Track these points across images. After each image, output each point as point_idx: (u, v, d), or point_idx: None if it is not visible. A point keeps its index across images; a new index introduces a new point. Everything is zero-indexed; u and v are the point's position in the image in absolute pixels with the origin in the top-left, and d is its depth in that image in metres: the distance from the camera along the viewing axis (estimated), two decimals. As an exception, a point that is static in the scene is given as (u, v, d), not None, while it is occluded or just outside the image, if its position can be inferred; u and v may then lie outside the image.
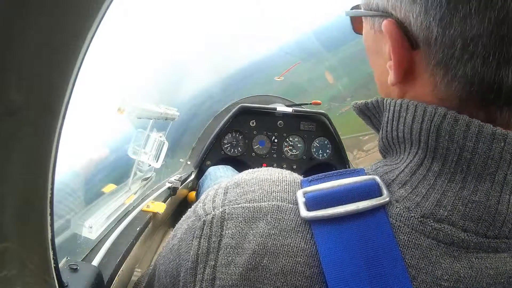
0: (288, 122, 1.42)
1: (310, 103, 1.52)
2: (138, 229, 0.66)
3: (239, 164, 1.39)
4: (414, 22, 0.30)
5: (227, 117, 1.38)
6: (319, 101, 1.52)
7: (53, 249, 0.27)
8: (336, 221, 0.30)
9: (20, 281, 0.23)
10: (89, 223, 0.57)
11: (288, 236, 0.29)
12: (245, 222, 0.31)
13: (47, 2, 0.18)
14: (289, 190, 0.33)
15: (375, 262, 0.28)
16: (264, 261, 0.29)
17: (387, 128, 0.34)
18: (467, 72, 0.28)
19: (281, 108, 1.41)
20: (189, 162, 1.39)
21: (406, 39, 0.31)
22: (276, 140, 1.42)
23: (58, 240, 0.32)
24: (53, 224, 0.25)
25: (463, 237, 0.28)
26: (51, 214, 0.25)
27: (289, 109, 1.41)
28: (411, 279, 0.27)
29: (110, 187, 0.77)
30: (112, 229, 0.64)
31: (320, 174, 0.34)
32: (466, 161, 0.28)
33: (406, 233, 0.28)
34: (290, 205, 0.31)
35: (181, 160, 1.38)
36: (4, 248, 0.21)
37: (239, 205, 0.32)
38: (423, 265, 0.28)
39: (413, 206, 0.29)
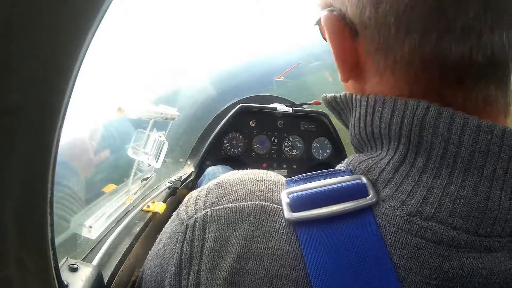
0: (288, 122, 1.42)
1: (311, 103, 1.52)
2: (138, 229, 0.66)
3: (239, 164, 1.39)
4: (350, 7, 0.29)
5: (227, 117, 1.38)
6: (319, 101, 1.51)
7: (53, 249, 0.27)
8: (321, 222, 0.29)
9: (20, 281, 0.23)
10: (89, 223, 0.58)
11: (272, 239, 0.28)
12: (227, 224, 0.29)
13: (47, 1, 0.18)
14: (274, 189, 0.31)
15: (361, 264, 0.27)
16: (248, 265, 0.28)
17: (359, 124, 0.33)
18: (405, 51, 0.27)
19: (281, 108, 1.41)
20: (189, 162, 1.38)
21: (348, 29, 0.29)
22: (276, 140, 1.42)
23: (58, 240, 0.32)
24: (53, 224, 0.25)
25: (452, 235, 0.26)
26: (51, 214, 0.25)
27: (289, 109, 1.41)
28: (400, 280, 0.26)
29: (110, 187, 0.77)
30: (112, 229, 0.64)
31: (305, 174, 0.33)
32: (452, 154, 0.27)
33: (392, 232, 0.27)
34: (274, 205, 0.30)
35: (181, 160, 1.38)
36: (4, 248, 0.21)
37: (221, 206, 0.30)
38: (412, 265, 0.26)
39: (398, 205, 0.28)
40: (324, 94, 0.38)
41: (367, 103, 0.32)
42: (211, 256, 0.29)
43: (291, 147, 1.44)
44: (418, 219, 0.27)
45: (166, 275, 0.31)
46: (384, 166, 0.30)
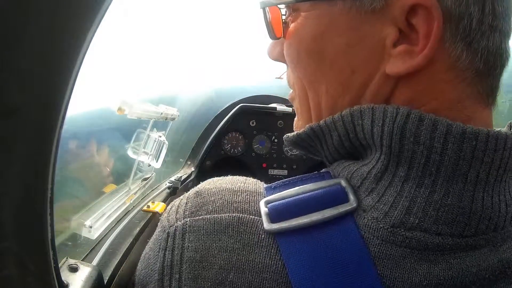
0: (288, 122, 1.41)
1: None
2: (138, 229, 0.66)
3: (239, 164, 1.39)
4: None
5: (227, 117, 1.38)
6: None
7: (53, 249, 0.27)
8: (302, 232, 0.28)
9: (20, 281, 0.23)
10: (89, 223, 0.58)
11: (252, 252, 0.27)
12: (207, 235, 0.29)
13: (47, 1, 0.18)
14: (251, 200, 0.30)
15: (345, 274, 0.26)
16: (230, 277, 0.27)
17: (343, 145, 0.32)
18: (490, 44, 0.28)
19: (281, 108, 1.41)
20: (189, 162, 1.38)
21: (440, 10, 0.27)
22: (276, 140, 1.42)
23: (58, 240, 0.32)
24: (53, 224, 0.25)
25: (437, 241, 0.26)
26: (51, 214, 0.25)
27: (289, 109, 1.41)
28: None
29: (110, 187, 0.77)
30: (112, 229, 0.64)
31: (284, 180, 0.32)
32: (435, 163, 0.26)
33: (376, 245, 0.26)
34: (251, 216, 0.29)
35: (181, 160, 1.38)
36: (4, 248, 0.21)
37: (200, 217, 0.30)
38: (397, 274, 0.26)
39: (381, 217, 0.27)
40: (285, 135, 0.37)
41: (343, 121, 0.30)
42: (192, 265, 0.28)
43: (291, 147, 1.44)
44: (402, 230, 0.26)
45: (151, 279, 0.30)
46: (365, 175, 0.29)
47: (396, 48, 0.28)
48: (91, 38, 0.22)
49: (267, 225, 0.28)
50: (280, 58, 0.39)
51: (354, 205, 0.28)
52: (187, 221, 0.30)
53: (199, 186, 0.33)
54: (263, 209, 0.29)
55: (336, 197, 0.29)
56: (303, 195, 0.29)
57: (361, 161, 0.31)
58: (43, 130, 0.21)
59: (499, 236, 0.28)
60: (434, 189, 0.27)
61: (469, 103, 0.29)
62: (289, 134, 0.36)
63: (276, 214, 0.28)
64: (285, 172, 1.42)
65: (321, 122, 0.32)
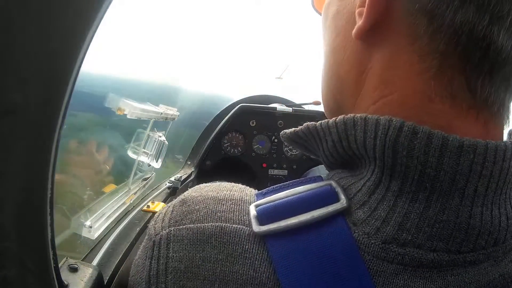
0: (288, 122, 1.42)
1: (311, 103, 1.52)
2: (138, 229, 0.66)
3: (239, 164, 1.39)
4: None
5: (227, 117, 1.39)
6: (319, 101, 1.51)
7: (53, 249, 0.27)
8: (291, 233, 0.27)
9: (20, 281, 0.23)
10: (89, 223, 0.58)
11: (236, 263, 0.27)
12: (190, 245, 0.28)
13: (47, 1, 0.18)
14: (235, 209, 0.30)
15: (337, 278, 0.25)
16: None
17: (337, 150, 0.31)
18: (456, 21, 0.24)
19: (281, 108, 1.41)
20: (189, 162, 1.39)
21: None
22: (276, 140, 1.42)
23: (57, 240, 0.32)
24: (53, 224, 0.25)
25: (431, 257, 0.25)
26: (51, 214, 0.25)
27: (289, 109, 1.41)
28: None
29: (110, 187, 0.77)
30: (112, 229, 0.64)
31: (275, 186, 0.32)
32: (430, 178, 0.25)
33: (367, 260, 0.25)
34: (234, 225, 0.28)
35: (181, 160, 1.38)
36: (4, 248, 0.21)
37: (184, 226, 0.29)
38: None
39: (373, 232, 0.26)
40: (283, 132, 0.36)
41: (337, 129, 0.30)
42: (177, 276, 0.27)
43: (291, 147, 1.44)
44: (394, 246, 0.25)
45: (139, 287, 0.30)
46: (360, 187, 0.28)
47: (356, 11, 0.30)
48: (91, 38, 0.22)
49: (256, 227, 0.27)
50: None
51: (345, 204, 0.27)
52: (171, 230, 0.30)
53: (185, 193, 0.33)
54: (253, 212, 0.29)
55: (325, 197, 0.28)
56: (292, 197, 0.29)
57: (358, 173, 0.30)
58: (43, 130, 0.21)
59: (500, 250, 0.27)
60: (429, 205, 0.25)
61: (443, 107, 0.27)
62: (286, 130, 0.36)
63: (265, 216, 0.28)
64: (285, 172, 1.42)
65: (317, 124, 0.32)
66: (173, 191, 0.99)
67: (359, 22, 0.29)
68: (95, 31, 0.22)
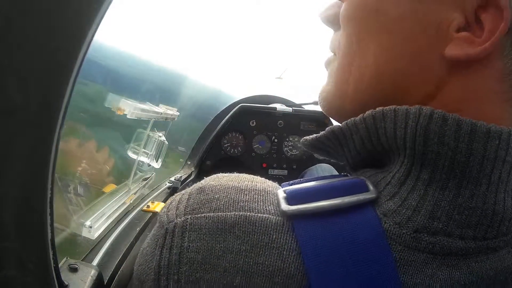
0: (288, 122, 1.42)
1: (311, 103, 1.52)
2: (138, 229, 0.66)
3: (239, 164, 1.39)
4: None
5: (227, 117, 1.38)
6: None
7: (53, 249, 0.27)
8: (320, 216, 0.27)
9: (20, 281, 0.23)
10: (89, 223, 0.58)
11: (261, 254, 0.25)
12: (210, 234, 0.27)
13: (47, 1, 0.18)
14: (259, 199, 0.28)
15: (364, 269, 0.25)
16: (236, 281, 0.25)
17: (365, 146, 0.31)
18: None
19: (281, 108, 1.41)
20: (189, 162, 1.39)
21: None
22: (276, 140, 1.42)
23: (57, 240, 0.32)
24: (53, 224, 0.25)
25: (461, 245, 0.26)
26: (51, 214, 0.25)
27: (289, 109, 1.41)
28: None
29: (110, 187, 0.77)
30: (112, 229, 0.64)
31: (302, 179, 0.31)
32: (460, 164, 0.26)
33: (398, 251, 0.26)
34: (260, 214, 0.27)
35: (180, 160, 1.38)
36: (4, 248, 0.21)
37: (202, 215, 0.28)
38: (418, 280, 0.25)
39: (404, 222, 0.26)
40: (303, 139, 0.36)
41: (365, 124, 0.30)
42: (193, 267, 0.26)
43: (291, 147, 1.44)
44: (425, 235, 0.26)
45: (147, 277, 0.28)
46: (389, 180, 0.28)
47: (459, 33, 0.28)
48: (91, 38, 0.22)
49: (284, 206, 0.27)
50: (333, 19, 0.37)
51: (374, 194, 0.27)
52: (187, 218, 0.28)
53: (202, 182, 0.31)
54: (281, 195, 0.28)
55: (357, 186, 0.28)
56: (322, 184, 0.28)
57: (386, 169, 0.30)
58: (43, 130, 0.21)
59: None
60: (459, 192, 0.26)
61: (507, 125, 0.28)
62: (307, 137, 0.35)
63: (294, 197, 0.27)
64: (285, 172, 1.42)
65: (343, 124, 0.32)
66: (173, 191, 0.99)
67: (469, 49, 0.27)
68: (95, 31, 0.22)
